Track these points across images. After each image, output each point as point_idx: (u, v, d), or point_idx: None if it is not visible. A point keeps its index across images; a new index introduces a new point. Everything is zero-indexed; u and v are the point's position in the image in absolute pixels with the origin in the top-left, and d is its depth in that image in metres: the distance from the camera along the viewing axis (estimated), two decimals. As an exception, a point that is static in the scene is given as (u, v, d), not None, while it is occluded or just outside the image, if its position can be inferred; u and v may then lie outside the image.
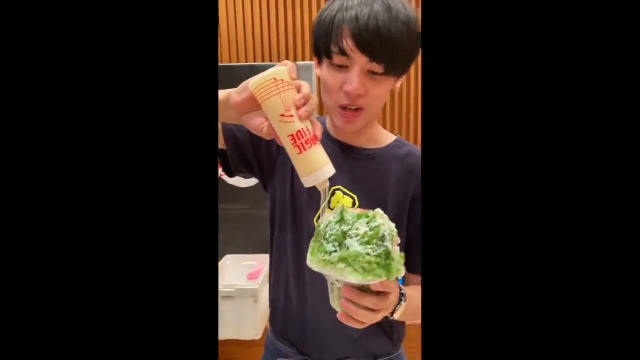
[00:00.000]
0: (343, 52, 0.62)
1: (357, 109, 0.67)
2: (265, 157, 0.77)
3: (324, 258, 0.47)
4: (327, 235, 0.48)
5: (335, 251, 0.46)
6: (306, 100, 0.54)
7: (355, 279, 0.46)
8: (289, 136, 0.54)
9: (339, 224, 0.49)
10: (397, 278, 0.50)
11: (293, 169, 0.67)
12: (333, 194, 0.73)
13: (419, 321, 0.70)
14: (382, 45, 0.61)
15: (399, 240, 0.52)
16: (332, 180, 0.62)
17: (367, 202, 0.73)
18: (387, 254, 0.47)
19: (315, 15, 2.57)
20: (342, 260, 0.46)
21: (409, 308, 0.64)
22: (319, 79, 0.72)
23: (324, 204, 0.60)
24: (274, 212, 0.79)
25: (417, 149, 0.79)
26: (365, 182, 0.74)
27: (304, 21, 2.59)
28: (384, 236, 0.48)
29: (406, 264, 0.78)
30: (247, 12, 2.56)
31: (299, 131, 0.54)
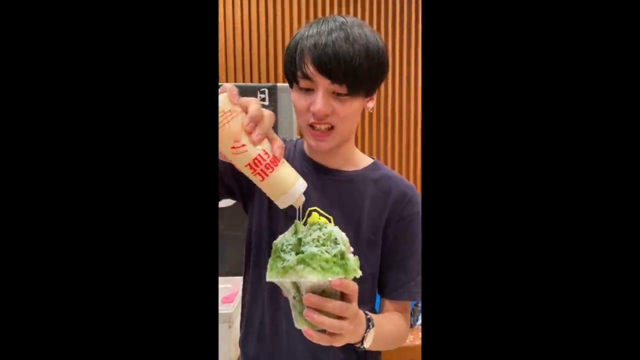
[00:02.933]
0: (306, 76, 0.67)
1: (328, 129, 0.70)
2: (245, 181, 0.76)
3: (283, 265, 0.48)
4: (284, 247, 0.51)
5: (285, 259, 0.49)
6: (256, 123, 0.52)
7: (315, 277, 0.47)
8: (246, 166, 0.52)
9: (293, 235, 0.51)
10: (354, 278, 0.51)
11: None
12: (309, 214, 0.74)
13: (393, 347, 0.72)
14: (340, 68, 0.65)
15: (351, 248, 0.54)
16: (308, 201, 0.63)
17: (343, 223, 0.73)
18: (342, 254, 0.49)
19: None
20: (301, 261, 0.47)
21: (380, 334, 0.63)
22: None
23: (302, 221, 0.59)
24: (251, 233, 0.79)
25: (393, 172, 0.81)
26: (341, 204, 0.76)
27: (285, 42, 2.63)
28: (336, 239, 0.50)
29: (380, 289, 0.78)
30: (229, 33, 2.58)
31: (255, 158, 0.51)
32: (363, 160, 0.81)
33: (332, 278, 0.48)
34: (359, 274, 0.51)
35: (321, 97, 0.66)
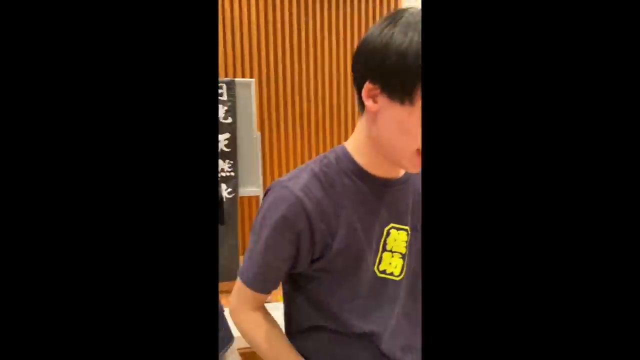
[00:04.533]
0: None
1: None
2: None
3: None
4: None
5: None
6: None
7: None
8: None
9: None
10: None
11: None
12: (388, 234, 0.69)
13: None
14: None
15: None
16: (382, 220, 0.68)
17: (414, 227, 0.71)
18: None
19: (251, 32, 2.61)
20: None
21: None
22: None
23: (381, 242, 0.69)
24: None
25: None
26: (409, 210, 0.72)
27: (244, 40, 2.59)
28: None
29: None
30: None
31: None
32: None
33: None
34: None
35: None
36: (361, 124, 0.67)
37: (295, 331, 0.76)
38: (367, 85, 0.60)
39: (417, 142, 0.60)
